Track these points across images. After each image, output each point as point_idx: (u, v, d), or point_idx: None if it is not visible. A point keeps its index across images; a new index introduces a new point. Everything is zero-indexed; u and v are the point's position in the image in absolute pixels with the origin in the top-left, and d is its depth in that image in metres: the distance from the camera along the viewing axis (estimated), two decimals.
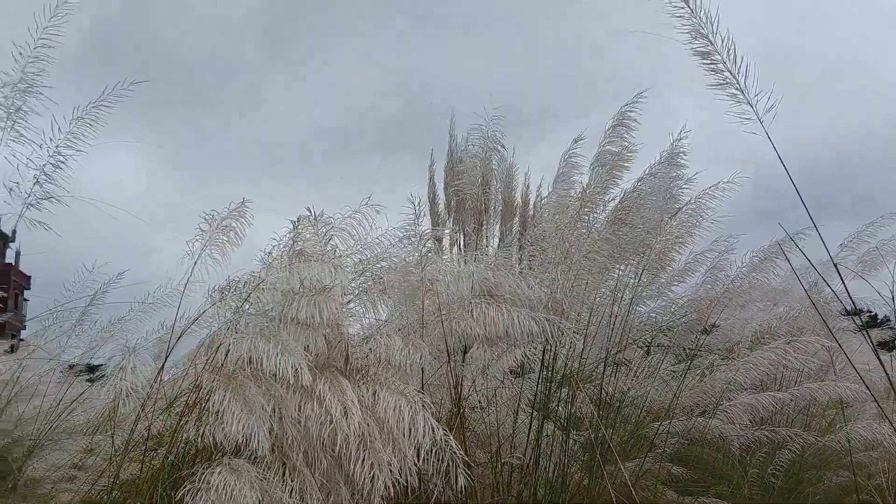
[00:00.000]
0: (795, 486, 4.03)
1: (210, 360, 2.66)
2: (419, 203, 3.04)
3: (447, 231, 4.75)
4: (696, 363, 4.22)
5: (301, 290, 2.51)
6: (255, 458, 2.34)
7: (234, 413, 2.28)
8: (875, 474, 4.03)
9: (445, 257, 3.92)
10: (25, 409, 3.66)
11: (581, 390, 3.46)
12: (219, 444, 2.44)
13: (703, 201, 3.76)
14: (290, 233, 2.72)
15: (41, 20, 2.57)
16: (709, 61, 2.32)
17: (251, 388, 2.36)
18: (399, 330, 2.79)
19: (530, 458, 3.36)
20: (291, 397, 2.41)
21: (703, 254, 4.10)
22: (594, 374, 3.71)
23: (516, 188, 5.13)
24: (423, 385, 2.94)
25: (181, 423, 2.67)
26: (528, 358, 3.67)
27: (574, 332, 3.12)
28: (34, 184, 2.66)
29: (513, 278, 3.10)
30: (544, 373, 3.46)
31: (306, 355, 2.37)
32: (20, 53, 2.53)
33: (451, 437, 2.42)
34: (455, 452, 2.38)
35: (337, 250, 2.71)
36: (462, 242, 4.69)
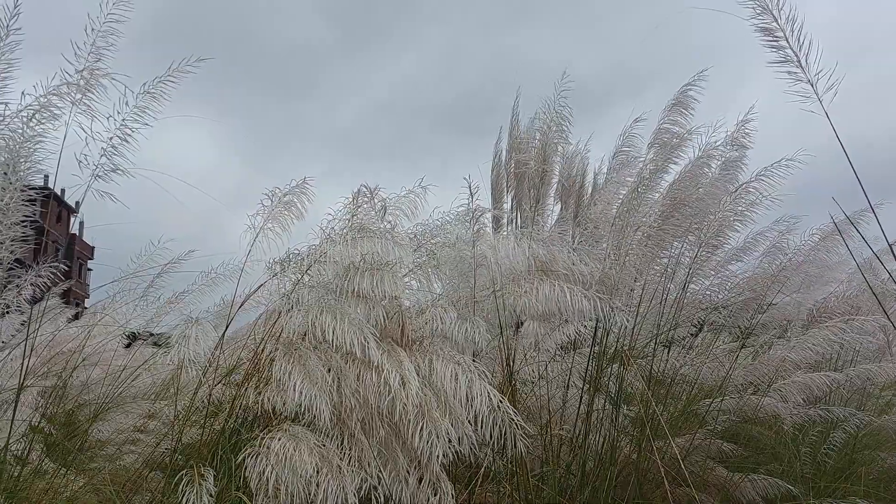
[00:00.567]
0: (848, 465, 3.98)
1: (270, 331, 2.74)
2: (475, 182, 3.06)
3: (504, 209, 4.76)
4: (750, 341, 4.18)
5: (362, 264, 2.56)
6: (313, 425, 2.40)
7: (295, 383, 2.35)
8: None
9: (502, 233, 3.93)
10: (91, 375, 3.82)
11: (632, 366, 3.46)
12: (278, 411, 2.52)
13: (764, 179, 3.69)
14: (346, 206, 2.76)
15: None
16: (771, 37, 2.27)
17: (312, 359, 2.43)
18: (454, 304, 2.83)
19: (580, 432, 3.38)
20: (350, 368, 2.47)
21: (763, 233, 4.04)
22: (646, 350, 3.70)
23: (575, 165, 5.09)
24: (475, 357, 2.97)
25: (242, 389, 2.75)
26: (580, 334, 3.68)
27: (625, 310, 3.11)
28: (101, 156, 2.74)
29: (567, 253, 3.11)
30: (596, 348, 3.47)
31: (369, 328, 2.42)
32: (91, 29, 2.59)
33: (507, 403, 2.45)
34: (512, 418, 2.41)
35: (396, 227, 2.75)
36: (519, 219, 4.68)
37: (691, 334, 4.28)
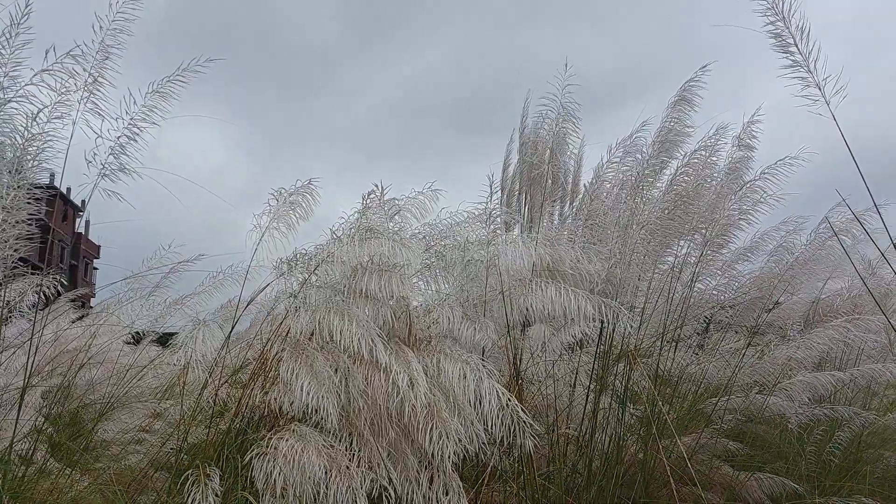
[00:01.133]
0: (853, 464, 3.98)
1: (276, 331, 2.73)
2: (486, 184, 3.05)
3: (514, 210, 4.74)
4: (756, 341, 4.18)
5: (370, 265, 2.55)
6: (321, 426, 2.39)
7: (302, 385, 2.34)
8: None
9: (511, 235, 3.92)
10: (96, 374, 3.81)
11: (639, 365, 3.45)
12: (284, 412, 2.51)
13: (768, 177, 3.68)
14: (360, 205, 2.75)
15: None
16: (781, 42, 2.29)
17: (319, 360, 2.42)
18: (462, 304, 2.83)
19: (586, 430, 3.38)
20: (358, 368, 2.46)
21: (769, 233, 4.05)
22: (652, 349, 3.70)
23: (583, 165, 5.08)
24: (482, 357, 2.97)
25: (249, 389, 2.74)
26: (586, 335, 3.67)
27: (629, 312, 3.11)
28: (109, 155, 2.73)
29: (573, 253, 3.10)
30: (601, 348, 3.47)
31: (376, 329, 2.42)
32: (100, 27, 2.58)
33: (516, 401, 2.44)
34: (521, 416, 2.40)
35: (405, 229, 2.74)
36: (527, 220, 4.67)
37: (698, 333, 4.28)
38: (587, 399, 3.43)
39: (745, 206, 3.61)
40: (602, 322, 3.21)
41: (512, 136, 5.27)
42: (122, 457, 3.45)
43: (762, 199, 3.62)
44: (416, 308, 2.83)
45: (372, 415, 2.45)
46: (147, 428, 3.68)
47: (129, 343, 4.09)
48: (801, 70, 2.31)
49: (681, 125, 3.59)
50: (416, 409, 2.31)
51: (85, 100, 2.58)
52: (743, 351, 3.90)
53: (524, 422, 2.43)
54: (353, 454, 2.39)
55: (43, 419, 3.37)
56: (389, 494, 2.30)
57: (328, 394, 2.32)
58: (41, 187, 2.72)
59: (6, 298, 2.94)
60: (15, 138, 2.58)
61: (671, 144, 3.55)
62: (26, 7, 2.47)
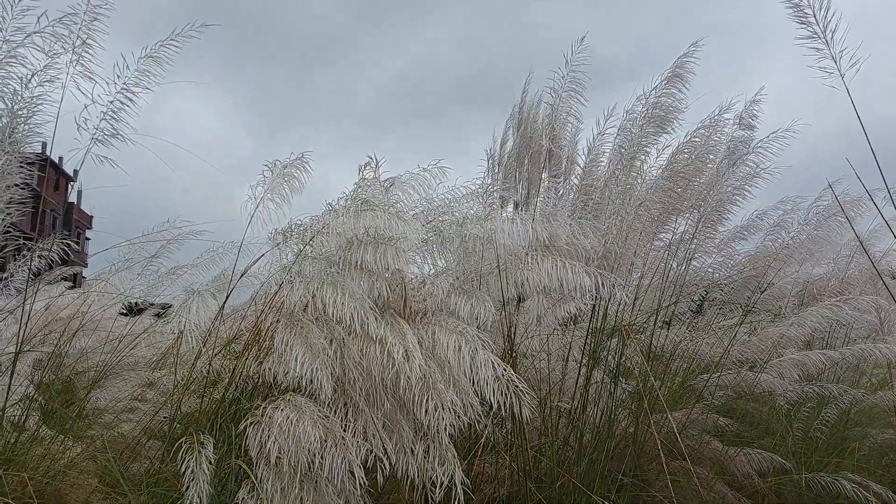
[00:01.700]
0: (840, 441, 4.04)
1: (271, 301, 2.72)
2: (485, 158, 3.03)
3: (510, 186, 4.72)
4: (749, 319, 4.21)
5: (365, 237, 2.53)
6: (315, 396, 2.40)
7: (297, 356, 2.33)
8: None
9: (508, 211, 3.92)
10: (88, 343, 3.79)
11: (631, 341, 3.47)
12: (279, 382, 2.51)
13: (761, 151, 3.67)
14: (358, 177, 2.74)
15: None
16: (800, 13, 2.27)
17: (314, 332, 2.41)
18: (458, 278, 2.82)
19: (578, 404, 3.40)
20: (353, 340, 2.46)
21: (767, 212, 4.06)
22: (646, 326, 3.72)
23: (582, 142, 5.04)
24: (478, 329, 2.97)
25: (243, 359, 2.74)
26: (581, 311, 3.68)
27: (624, 286, 3.11)
28: (101, 120, 2.69)
29: (569, 228, 3.10)
30: (595, 323, 3.48)
31: (369, 302, 2.41)
32: None
33: (511, 371, 2.45)
34: (517, 385, 2.41)
35: (401, 202, 2.72)
36: (525, 195, 4.66)
37: (692, 311, 4.30)
38: (580, 373, 3.45)
39: (738, 183, 3.62)
40: (596, 298, 3.22)
41: (512, 112, 5.22)
42: (115, 425, 3.45)
43: (755, 174, 3.63)
44: (411, 280, 2.82)
45: (367, 386, 2.45)
46: (140, 397, 3.68)
47: (123, 314, 4.07)
48: (819, 41, 2.29)
49: (673, 100, 3.56)
50: (412, 381, 2.31)
51: (74, 62, 2.53)
52: (736, 329, 3.93)
53: (520, 391, 2.44)
54: (349, 425, 2.39)
55: (34, 388, 3.36)
56: (384, 465, 2.31)
57: (322, 366, 2.31)
58: (33, 155, 2.68)
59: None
60: (7, 102, 2.54)
61: (661, 120, 3.52)
62: None
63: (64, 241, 3.17)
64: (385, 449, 2.33)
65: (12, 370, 2.78)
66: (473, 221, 2.93)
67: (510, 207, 4.66)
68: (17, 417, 2.98)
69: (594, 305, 3.49)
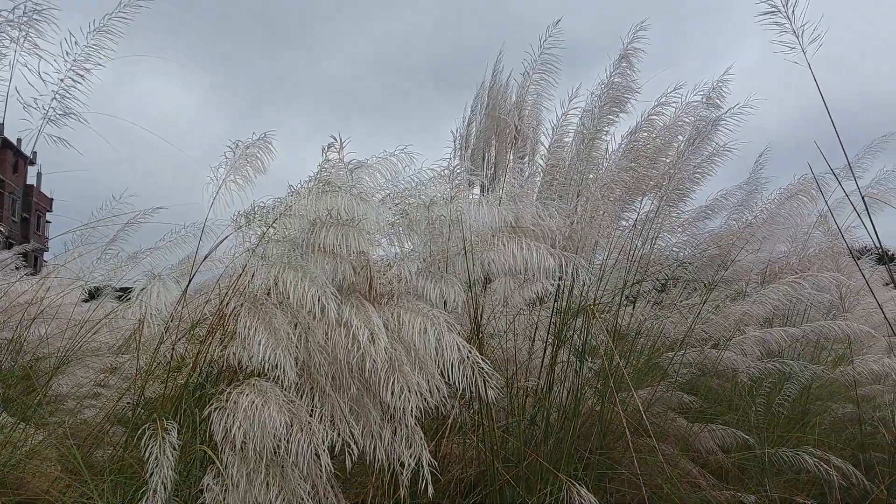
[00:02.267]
0: (801, 416, 4.12)
1: (233, 285, 2.69)
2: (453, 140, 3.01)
3: (476, 168, 4.70)
4: (713, 297, 4.26)
5: (328, 219, 2.51)
6: (280, 381, 2.38)
7: (260, 342, 2.31)
8: (881, 406, 4.13)
9: (474, 193, 3.91)
10: (48, 329, 3.72)
11: (597, 320, 3.50)
12: (244, 366, 2.49)
13: (720, 129, 3.70)
14: (321, 158, 2.70)
15: None
16: None
17: (278, 317, 2.39)
18: (425, 260, 2.81)
19: (545, 384, 3.43)
20: (318, 324, 2.44)
21: (732, 191, 4.10)
22: (611, 305, 3.75)
23: (543, 122, 5.02)
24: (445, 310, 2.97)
25: (206, 343, 2.71)
26: (547, 290, 3.70)
27: (588, 267, 3.13)
28: (52, 99, 2.62)
29: (535, 209, 3.10)
30: (560, 303, 3.50)
31: (330, 287, 2.38)
32: None
33: (477, 353, 2.45)
34: (482, 367, 2.42)
35: (366, 185, 2.69)
36: (491, 175, 4.64)
37: (656, 290, 4.35)
38: (545, 353, 3.48)
39: (700, 161, 3.65)
40: (561, 278, 3.23)
41: (478, 92, 5.18)
42: (77, 411, 3.40)
43: (716, 153, 3.66)
44: (377, 263, 2.81)
45: (333, 370, 2.44)
46: (103, 383, 3.62)
47: (85, 301, 3.99)
48: (780, 15, 2.31)
49: (627, 80, 3.56)
50: (378, 364, 2.30)
51: (22, 38, 2.45)
52: (700, 307, 3.98)
53: (486, 373, 2.45)
54: (315, 409, 2.38)
55: None
56: (352, 449, 2.30)
57: (286, 351, 2.29)
58: None
59: None
60: None
61: (617, 101, 3.53)
62: None
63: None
64: (352, 433, 2.32)
65: None
66: (440, 203, 2.92)
67: (476, 189, 4.66)
68: None
69: (559, 286, 3.51)
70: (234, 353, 2.50)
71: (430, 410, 2.50)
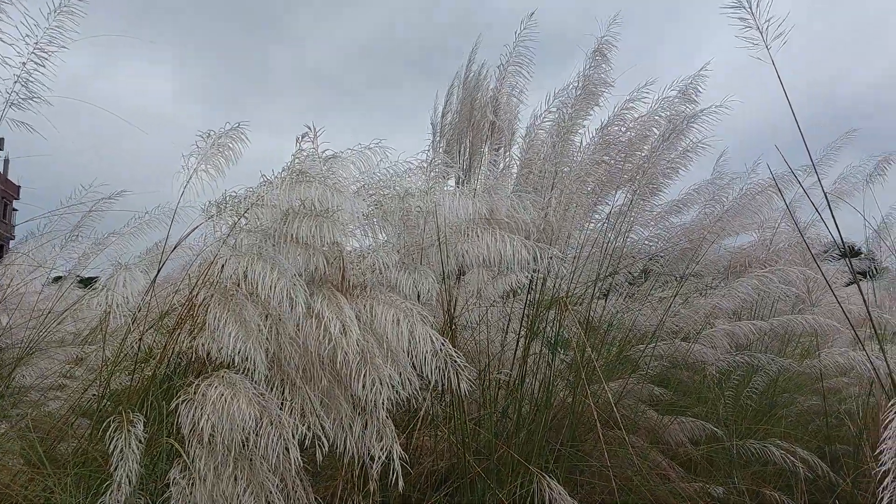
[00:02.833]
0: (769, 408, 4.18)
1: (205, 275, 2.64)
2: (434, 128, 2.99)
3: (449, 161, 4.68)
4: (684, 291, 4.30)
5: (301, 210, 2.47)
6: (251, 375, 2.34)
7: (230, 333, 2.27)
8: (846, 399, 4.20)
9: (450, 184, 3.90)
10: (12, 319, 3.63)
11: (569, 312, 3.50)
12: (213, 358, 2.45)
13: (695, 126, 3.72)
14: (295, 148, 2.66)
15: None
16: None
17: (248, 308, 2.35)
18: (399, 251, 2.79)
19: (517, 376, 3.43)
20: (289, 316, 2.40)
21: (703, 186, 4.14)
22: (584, 297, 3.76)
23: (522, 113, 5.01)
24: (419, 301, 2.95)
25: (175, 334, 2.66)
26: (521, 282, 3.70)
27: (562, 259, 3.13)
28: (15, 82, 2.55)
29: (509, 201, 3.09)
30: (533, 295, 3.50)
31: (299, 280, 2.35)
32: None
33: (450, 345, 2.44)
34: (455, 359, 2.41)
35: (341, 176, 2.65)
36: (467, 166, 4.62)
37: (629, 283, 4.37)
38: (518, 345, 3.48)
39: (673, 156, 3.67)
40: (535, 270, 3.23)
41: (452, 83, 5.14)
42: (41, 403, 3.33)
43: (689, 149, 3.68)
44: (350, 254, 2.78)
45: (304, 362, 2.41)
46: (69, 374, 3.55)
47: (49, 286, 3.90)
48: (744, 11, 2.31)
49: (601, 74, 3.57)
50: (349, 356, 2.27)
51: None
52: (671, 300, 4.01)
53: (458, 364, 2.44)
54: (285, 402, 2.35)
55: None
56: (322, 442, 2.28)
57: (256, 343, 2.26)
58: None
59: None
60: None
61: (591, 95, 3.53)
62: None
63: None
64: (322, 426, 2.30)
65: None
66: (416, 195, 2.90)
67: (452, 181, 4.64)
68: None
69: (532, 277, 3.51)
70: (203, 345, 2.46)
71: (401, 403, 2.49)
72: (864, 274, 5.26)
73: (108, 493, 2.11)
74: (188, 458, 2.24)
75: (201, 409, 2.26)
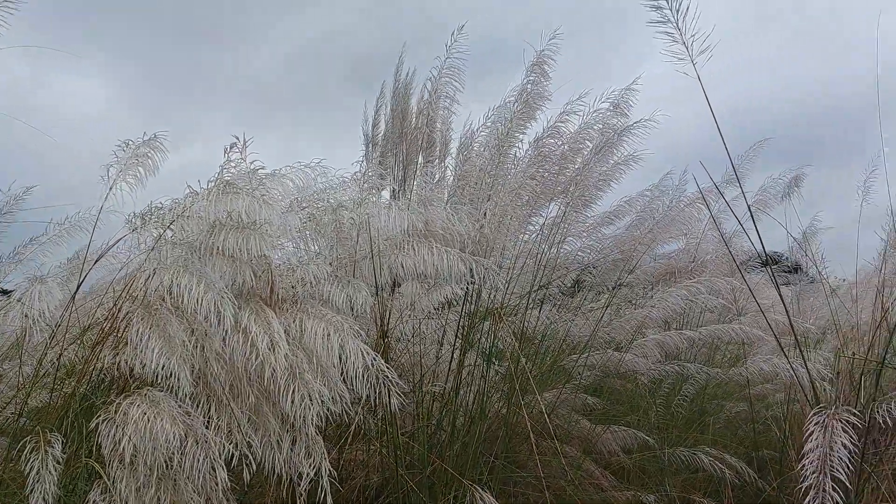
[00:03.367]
0: (698, 416, 4.28)
1: (128, 289, 2.55)
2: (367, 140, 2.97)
3: (383, 172, 4.65)
4: (616, 301, 4.38)
5: (228, 222, 2.41)
6: (175, 392, 2.27)
7: (154, 350, 2.20)
8: (771, 405, 4.33)
9: (384, 197, 3.88)
10: None
11: (503, 323, 3.52)
12: (136, 374, 2.37)
13: (625, 138, 3.80)
14: (223, 159, 2.59)
15: None
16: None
17: (173, 324, 2.28)
18: (331, 264, 2.75)
19: (452, 387, 3.42)
20: (215, 331, 2.34)
21: (635, 199, 4.22)
22: (518, 308, 3.78)
23: (456, 124, 5.01)
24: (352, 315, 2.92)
25: (96, 350, 2.56)
26: (456, 294, 3.70)
27: (497, 271, 3.15)
28: None
29: (444, 213, 3.09)
30: (467, 306, 3.50)
31: (227, 293, 2.29)
32: None
33: (381, 361, 2.41)
34: (386, 375, 2.38)
35: (266, 184, 2.60)
36: (399, 177, 4.60)
37: (563, 293, 4.42)
38: (453, 356, 3.47)
39: (605, 169, 3.73)
40: (470, 282, 3.24)
41: (382, 93, 5.11)
42: None
43: (620, 161, 3.76)
44: (279, 266, 2.73)
45: (231, 378, 2.35)
46: None
47: None
48: (670, 26, 2.35)
49: (539, 88, 3.60)
50: (277, 372, 2.23)
51: None
52: (603, 310, 4.07)
53: (390, 380, 2.41)
54: (211, 420, 2.29)
55: None
56: (250, 461, 2.22)
57: (180, 360, 2.19)
58: None
59: None
60: None
61: (528, 108, 3.57)
62: None
63: None
64: (250, 444, 2.24)
65: None
66: (348, 207, 2.87)
67: (386, 193, 4.61)
68: None
69: (468, 289, 3.51)
70: (126, 361, 2.38)
71: (332, 418, 2.45)
72: (789, 277, 5.45)
73: None
74: (109, 480, 2.16)
75: (122, 428, 2.17)
